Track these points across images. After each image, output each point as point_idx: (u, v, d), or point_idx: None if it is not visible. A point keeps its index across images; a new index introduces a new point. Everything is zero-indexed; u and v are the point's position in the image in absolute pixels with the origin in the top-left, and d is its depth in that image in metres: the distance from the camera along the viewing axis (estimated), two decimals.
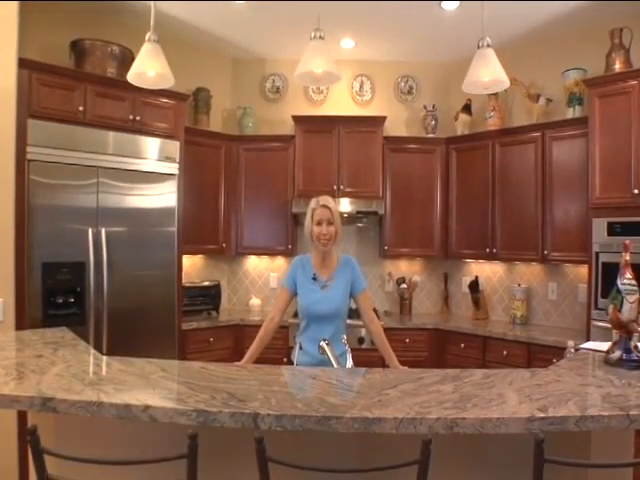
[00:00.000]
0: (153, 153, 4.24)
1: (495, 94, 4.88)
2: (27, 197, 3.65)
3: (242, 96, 5.33)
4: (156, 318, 4.26)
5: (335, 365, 2.64)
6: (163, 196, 4.31)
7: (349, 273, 3.07)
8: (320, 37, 2.77)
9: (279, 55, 5.26)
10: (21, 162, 3.62)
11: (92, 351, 2.51)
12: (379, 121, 5.01)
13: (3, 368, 2.13)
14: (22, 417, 3.37)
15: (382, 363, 4.63)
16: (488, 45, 2.71)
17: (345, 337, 3.00)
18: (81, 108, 3.90)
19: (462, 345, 4.65)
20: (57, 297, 3.82)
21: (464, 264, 5.28)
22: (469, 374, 2.29)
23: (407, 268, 5.37)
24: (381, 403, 1.80)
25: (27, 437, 1.49)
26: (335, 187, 4.95)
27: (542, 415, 1.65)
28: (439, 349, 4.77)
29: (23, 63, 3.62)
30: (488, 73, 2.69)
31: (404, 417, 1.65)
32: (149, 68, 2.63)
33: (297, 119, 5.03)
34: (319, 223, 3.01)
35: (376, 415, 1.66)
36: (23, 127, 3.63)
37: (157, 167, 4.26)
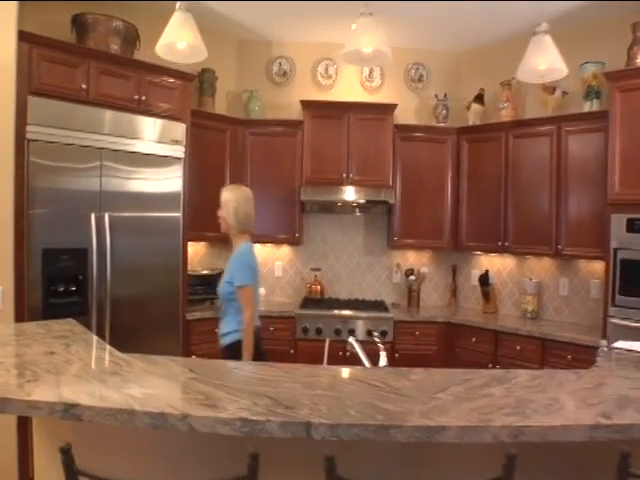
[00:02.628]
0: (158, 135, 4.00)
1: (508, 84, 4.71)
2: (27, 179, 3.40)
3: (248, 79, 5.08)
4: (160, 307, 4.04)
5: (366, 364, 2.48)
6: (168, 180, 4.07)
7: (232, 263, 3.20)
8: (370, 13, 2.52)
9: (286, 37, 5.02)
10: (20, 142, 3.37)
11: (108, 347, 2.29)
12: (390, 109, 4.80)
13: (15, 368, 1.91)
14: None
15: (390, 355, 4.49)
16: (545, 32, 2.50)
17: (237, 326, 3.14)
18: (84, 86, 3.64)
19: (473, 339, 4.49)
20: (58, 285, 3.59)
21: (473, 257, 5.12)
22: (514, 375, 2.14)
23: (415, 259, 5.19)
24: (438, 409, 1.65)
25: (61, 455, 1.28)
26: (344, 175, 4.75)
27: (607, 422, 1.54)
28: (449, 343, 4.61)
29: (23, 36, 3.36)
30: (544, 61, 2.50)
31: (468, 425, 1.51)
32: (180, 39, 2.38)
33: (306, 104, 4.81)
34: None
35: (438, 423, 1.51)
36: (23, 104, 3.37)
37: (162, 150, 4.02)
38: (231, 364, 2.16)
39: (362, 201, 4.68)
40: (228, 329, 3.21)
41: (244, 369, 2.08)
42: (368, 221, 5.19)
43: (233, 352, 3.18)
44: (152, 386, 1.77)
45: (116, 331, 3.74)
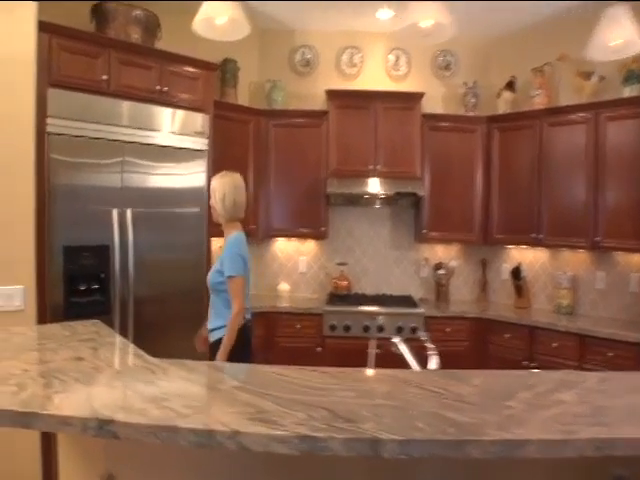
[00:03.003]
0: (181, 127, 3.80)
1: (541, 71, 4.47)
2: (47, 175, 3.23)
3: (270, 69, 4.87)
4: (184, 305, 3.85)
5: (415, 366, 2.28)
6: (191, 174, 3.87)
7: (223, 252, 3.04)
8: None
9: (309, 25, 4.79)
10: (40, 135, 3.18)
11: (138, 351, 2.10)
12: (417, 97, 4.58)
13: (41, 376, 1.73)
14: None
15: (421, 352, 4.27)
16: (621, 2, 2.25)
17: (225, 321, 2.95)
18: (105, 77, 3.46)
19: (507, 335, 4.27)
20: (79, 284, 3.42)
21: (503, 250, 4.89)
22: (582, 379, 1.94)
23: (443, 253, 4.97)
24: (513, 420, 1.45)
25: None
26: (371, 166, 4.54)
27: None
28: (481, 339, 4.40)
29: (43, 26, 3.17)
30: (619, 35, 2.25)
31: (552, 439, 1.32)
32: (219, 13, 2.15)
33: (331, 94, 4.60)
34: None
35: (519, 436, 1.32)
36: (43, 97, 3.19)
37: (185, 142, 3.83)
38: (272, 369, 1.96)
39: (390, 193, 4.47)
40: (217, 323, 3.03)
41: (288, 375, 1.88)
42: (394, 214, 4.97)
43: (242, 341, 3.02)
44: (193, 397, 1.58)
45: (139, 330, 3.57)
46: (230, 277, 2.96)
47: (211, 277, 3.06)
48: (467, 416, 1.49)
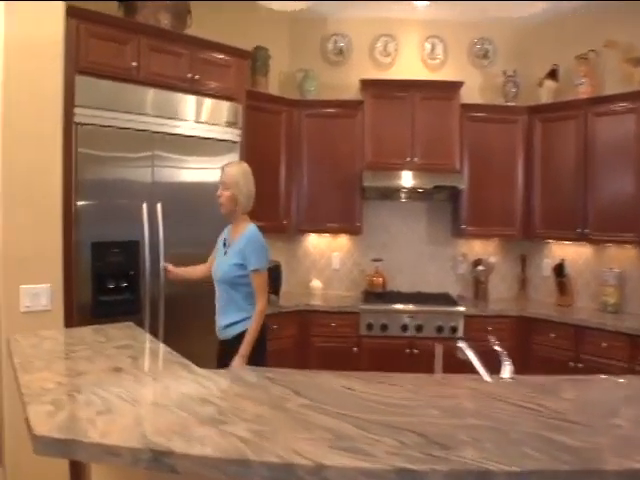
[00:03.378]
0: (213, 117, 3.55)
1: (586, 58, 4.16)
2: (75, 168, 2.99)
3: (301, 58, 4.58)
4: (199, 300, 3.57)
5: (485, 375, 2.02)
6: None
7: (242, 244, 2.79)
8: None
9: (342, 13, 4.51)
10: (68, 125, 2.95)
11: (184, 361, 1.85)
12: (456, 87, 4.29)
13: (78, 391, 1.48)
14: None
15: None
16: None
17: (249, 313, 2.77)
18: (134, 64, 3.21)
19: (552, 335, 3.98)
20: (108, 282, 3.18)
21: (544, 245, 4.59)
22: None
23: (481, 249, 4.68)
24: (629, 443, 1.24)
25: None
26: (408, 159, 4.26)
27: None
28: (524, 338, 4.11)
29: (71, 11, 2.93)
30: None
31: None
32: None
33: (366, 83, 4.32)
34: (219, 186, 2.88)
35: None
36: (70, 84, 2.96)
37: (217, 133, 3.57)
38: (337, 380, 1.71)
39: (428, 187, 4.19)
40: (234, 318, 2.81)
41: (358, 389, 1.62)
42: (430, 208, 4.68)
43: (261, 341, 2.82)
44: (258, 420, 1.32)
45: (170, 331, 3.31)
46: (256, 271, 2.77)
47: (228, 270, 2.80)
48: (577, 439, 1.25)
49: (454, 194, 4.38)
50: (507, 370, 2.12)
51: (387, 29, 4.55)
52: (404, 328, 4.06)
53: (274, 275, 4.23)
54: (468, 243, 4.66)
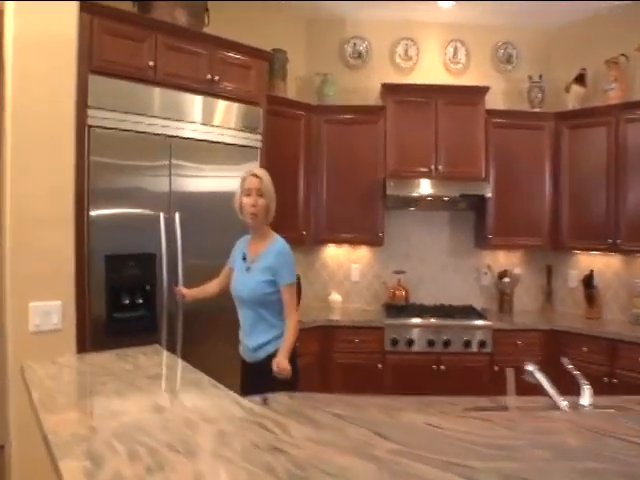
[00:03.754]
0: (234, 121, 3.28)
1: (616, 62, 3.94)
2: (87, 175, 2.70)
3: (319, 61, 4.31)
4: (236, 320, 3.28)
5: (557, 400, 1.79)
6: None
7: (272, 259, 2.52)
8: None
9: (361, 15, 4.25)
10: (81, 129, 2.66)
11: (234, 395, 1.55)
12: (481, 92, 4.04)
13: (118, 439, 1.18)
14: None
15: (489, 368, 3.75)
16: None
17: (280, 330, 2.51)
18: (151, 63, 2.93)
19: (584, 349, 3.72)
20: (123, 297, 2.88)
21: (570, 256, 4.33)
22: None
23: (505, 260, 4.41)
24: None
25: None
26: (432, 166, 4.00)
27: None
28: (554, 353, 3.82)
29: (84, 6, 2.65)
30: None
31: None
32: None
33: (388, 88, 4.06)
34: (248, 194, 2.55)
35: None
36: (84, 84, 2.67)
37: (237, 138, 3.30)
38: (418, 417, 1.43)
39: (455, 195, 3.93)
40: (265, 338, 2.54)
41: (445, 427, 1.34)
42: (453, 218, 4.41)
43: (293, 357, 2.51)
44: (348, 474, 1.04)
45: (188, 350, 2.99)
46: (289, 285, 2.52)
47: (256, 288, 2.51)
48: None
49: (479, 203, 4.12)
50: (587, 395, 1.85)
51: (408, 32, 4.30)
52: (430, 343, 3.78)
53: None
54: (492, 254, 4.39)
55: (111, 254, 2.81)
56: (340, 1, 3.98)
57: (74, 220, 2.62)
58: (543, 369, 3.79)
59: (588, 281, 4.07)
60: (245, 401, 1.49)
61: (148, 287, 2.96)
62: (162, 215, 2.96)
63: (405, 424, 1.40)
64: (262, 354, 2.52)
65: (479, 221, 4.26)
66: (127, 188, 2.86)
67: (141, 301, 2.94)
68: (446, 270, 4.41)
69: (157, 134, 2.95)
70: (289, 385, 2.32)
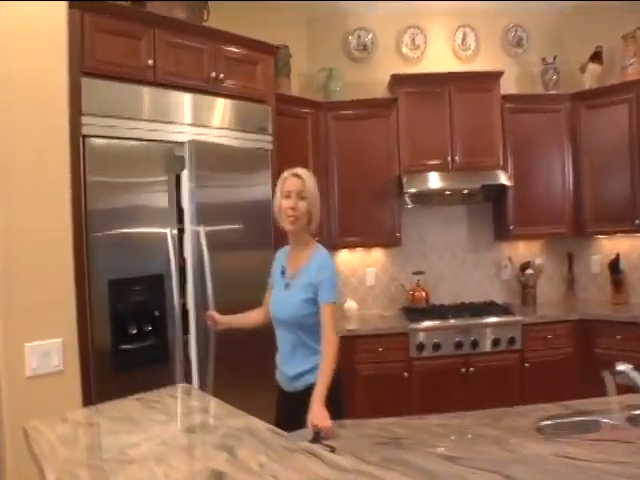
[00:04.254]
0: (242, 122, 2.91)
1: (633, 37, 3.65)
2: (85, 193, 2.32)
3: (322, 57, 3.93)
4: (255, 344, 2.80)
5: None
6: (256, 181, 2.95)
7: (314, 273, 2.11)
8: None
9: (364, 6, 3.89)
10: (75, 139, 2.28)
11: (296, 442, 1.20)
12: (495, 77, 3.71)
13: None
14: None
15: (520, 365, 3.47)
16: None
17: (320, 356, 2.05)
18: (150, 62, 2.56)
19: (617, 337, 3.42)
20: (130, 326, 2.50)
21: (592, 241, 4.04)
22: None
23: (525, 250, 4.08)
24: None
25: None
26: (449, 158, 3.66)
27: None
28: (586, 343, 3.54)
29: (74, 2, 2.28)
30: None
31: None
32: None
33: (397, 79, 3.70)
34: (288, 195, 2.13)
35: None
36: (76, 88, 2.29)
37: (248, 141, 2.93)
38: (547, 449, 1.11)
39: (476, 187, 3.61)
40: (306, 366, 2.15)
41: (572, 454, 1.03)
42: (470, 211, 4.08)
43: (336, 388, 2.08)
44: None
45: (205, 383, 2.62)
46: (328, 303, 2.09)
47: (298, 308, 2.12)
48: None
49: (496, 194, 3.81)
50: None
51: (414, 20, 3.93)
52: (458, 345, 3.47)
53: None
54: (511, 246, 4.08)
55: (115, 279, 2.44)
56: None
57: (72, 244, 2.25)
58: (575, 360, 3.52)
59: (614, 266, 3.78)
60: (329, 454, 1.15)
61: (157, 313, 2.60)
62: (169, 231, 2.59)
63: (533, 459, 1.10)
64: (301, 384, 2.15)
65: (497, 212, 3.96)
66: (128, 204, 2.48)
67: (150, 329, 2.56)
68: (465, 266, 4.07)
69: (159, 140, 2.58)
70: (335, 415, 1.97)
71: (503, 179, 3.61)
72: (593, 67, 3.77)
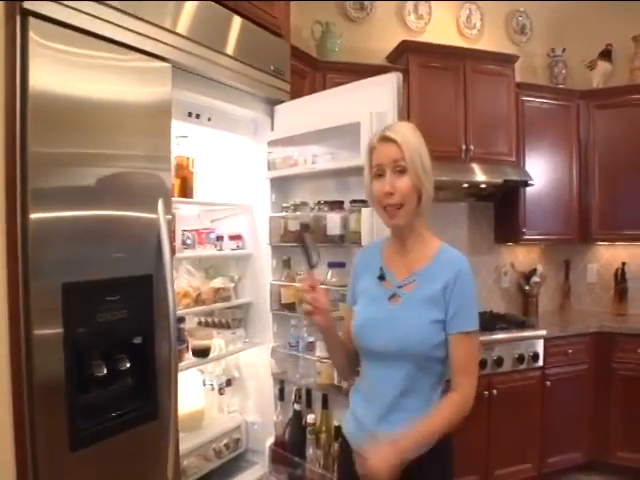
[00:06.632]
0: (258, 58, 1.81)
1: None
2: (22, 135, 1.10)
3: (313, 11, 2.84)
4: None
5: None
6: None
7: (441, 282, 1.21)
8: None
9: None
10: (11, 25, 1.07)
11: None
12: (512, 60, 2.96)
13: None
14: None
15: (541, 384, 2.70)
16: None
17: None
18: None
19: (639, 350, 2.80)
20: (95, 364, 1.28)
21: (588, 249, 3.42)
22: None
23: (524, 257, 3.37)
24: None
25: None
26: (463, 147, 2.82)
27: None
28: (603, 357, 2.88)
29: None
30: None
31: None
32: None
33: (411, 46, 2.76)
34: (379, 173, 1.23)
35: None
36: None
37: (262, 85, 1.84)
38: None
39: (498, 181, 2.79)
40: (414, 420, 1.22)
41: None
42: (471, 211, 3.26)
43: (443, 465, 1.22)
44: None
45: None
46: (468, 333, 1.20)
47: (427, 334, 1.19)
48: None
49: (503, 192, 3.05)
50: None
51: None
52: (482, 364, 2.60)
53: None
54: (512, 251, 3.33)
55: (69, 281, 1.21)
56: None
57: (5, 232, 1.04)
58: (593, 375, 2.81)
59: (620, 275, 3.19)
60: None
61: (139, 339, 1.39)
62: (161, 201, 1.41)
63: None
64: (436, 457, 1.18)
65: (501, 212, 3.20)
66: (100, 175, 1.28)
67: (128, 365, 1.35)
68: None
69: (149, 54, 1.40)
70: None
71: (522, 175, 2.84)
72: (604, 65, 3.20)
